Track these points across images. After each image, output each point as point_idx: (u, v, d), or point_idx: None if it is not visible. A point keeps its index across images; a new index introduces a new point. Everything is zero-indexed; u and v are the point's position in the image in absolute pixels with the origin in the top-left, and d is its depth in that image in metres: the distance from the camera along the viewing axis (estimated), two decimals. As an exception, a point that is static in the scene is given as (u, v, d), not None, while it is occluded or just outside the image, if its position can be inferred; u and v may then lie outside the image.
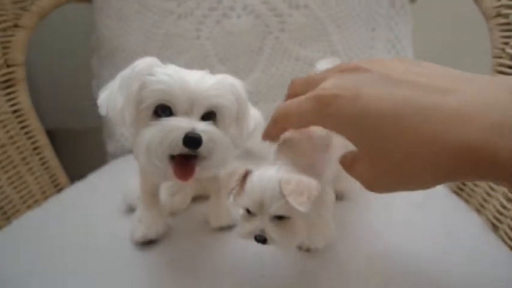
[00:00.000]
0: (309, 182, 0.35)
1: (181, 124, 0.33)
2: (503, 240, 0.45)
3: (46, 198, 0.63)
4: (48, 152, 0.67)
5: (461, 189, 0.57)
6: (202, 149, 0.34)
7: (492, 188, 0.50)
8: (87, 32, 0.81)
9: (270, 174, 0.35)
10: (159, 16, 0.71)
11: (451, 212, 0.50)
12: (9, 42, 0.63)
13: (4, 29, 0.62)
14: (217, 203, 0.48)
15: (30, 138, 0.64)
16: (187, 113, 0.35)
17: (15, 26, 0.64)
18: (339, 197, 0.52)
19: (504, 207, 0.47)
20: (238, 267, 0.42)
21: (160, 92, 0.34)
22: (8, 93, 0.62)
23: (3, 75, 0.61)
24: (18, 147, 0.61)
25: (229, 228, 0.48)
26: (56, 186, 0.68)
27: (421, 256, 0.41)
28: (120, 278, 0.42)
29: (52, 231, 0.51)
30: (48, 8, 0.69)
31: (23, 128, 0.63)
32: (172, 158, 0.35)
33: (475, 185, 0.54)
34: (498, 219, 0.47)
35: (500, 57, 0.53)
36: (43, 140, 0.66)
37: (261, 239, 0.35)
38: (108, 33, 0.75)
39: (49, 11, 0.70)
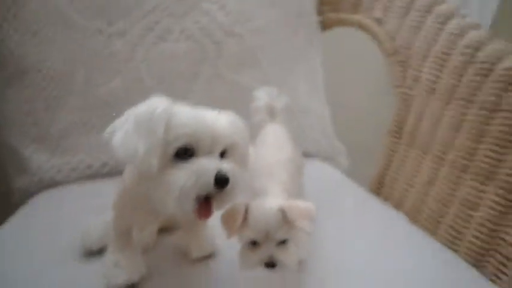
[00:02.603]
0: (306, 205, 0.40)
1: (210, 166, 0.34)
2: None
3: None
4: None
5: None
6: (228, 187, 0.35)
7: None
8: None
9: (268, 204, 0.38)
10: (85, 35, 0.65)
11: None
12: None
13: None
14: (196, 233, 0.48)
15: None
16: (208, 153, 0.36)
17: None
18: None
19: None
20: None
21: (186, 135, 0.34)
22: None
23: None
24: None
25: (211, 256, 0.48)
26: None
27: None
28: None
29: None
30: None
31: None
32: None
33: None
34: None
35: (401, 86, 0.69)
36: None
37: (271, 264, 0.38)
38: (17, 50, 0.64)
39: None
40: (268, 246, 0.38)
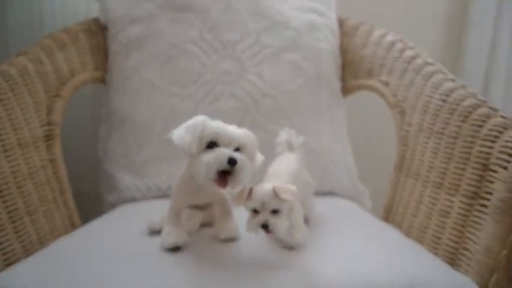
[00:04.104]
0: (290, 186, 0.57)
1: (225, 152, 0.55)
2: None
3: (66, 233, 0.76)
4: (69, 196, 0.81)
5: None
6: (237, 167, 0.55)
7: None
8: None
9: (265, 186, 0.57)
10: (165, 97, 0.95)
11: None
12: (52, 107, 0.81)
13: (50, 97, 0.81)
14: (225, 220, 0.67)
15: (59, 182, 0.78)
16: (227, 146, 0.57)
17: (57, 95, 0.83)
18: (305, 220, 0.74)
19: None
20: (244, 256, 0.61)
21: (214, 133, 0.57)
22: (48, 145, 0.78)
23: (47, 130, 0.78)
24: (51, 189, 0.75)
25: (235, 239, 0.66)
26: (72, 224, 0.80)
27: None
28: (158, 268, 0.57)
29: (83, 250, 0.64)
30: (78, 85, 0.90)
31: (55, 173, 0.78)
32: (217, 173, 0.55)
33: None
34: (410, 230, 0.72)
35: (401, 130, 0.84)
36: (67, 186, 0.81)
37: (265, 226, 0.55)
38: (120, 107, 0.96)
39: (79, 86, 0.90)
40: (264, 213, 0.56)
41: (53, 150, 0.79)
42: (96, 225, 0.75)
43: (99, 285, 0.53)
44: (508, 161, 0.55)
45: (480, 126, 0.62)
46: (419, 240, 0.68)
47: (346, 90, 1.09)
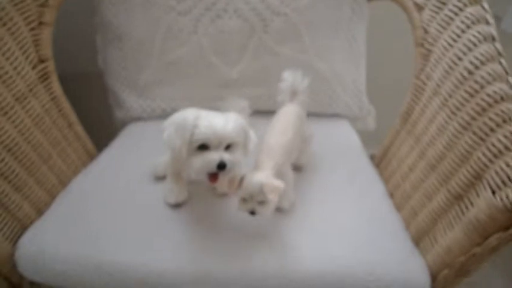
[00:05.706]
0: (277, 184, 0.60)
1: (214, 157, 0.56)
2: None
3: (83, 163, 0.84)
4: (78, 127, 0.85)
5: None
6: (226, 170, 0.57)
7: (397, 168, 0.79)
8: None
9: (255, 178, 0.59)
10: (161, 12, 0.84)
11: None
12: (38, 40, 0.75)
13: (33, 28, 0.74)
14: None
15: (65, 118, 0.81)
16: (217, 147, 0.57)
17: (40, 23, 0.75)
18: (300, 168, 0.78)
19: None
20: (235, 218, 0.68)
21: (203, 138, 0.56)
22: (46, 85, 0.76)
23: (41, 70, 0.75)
24: (59, 128, 0.79)
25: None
26: (86, 152, 0.87)
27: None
28: (162, 226, 0.67)
29: (99, 194, 0.73)
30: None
31: (60, 111, 0.79)
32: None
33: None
34: (396, 189, 0.77)
35: (418, 78, 0.76)
36: (74, 118, 0.83)
37: (253, 213, 0.61)
38: (114, 20, 0.87)
39: (62, 3, 0.80)
40: (252, 203, 0.61)
41: (52, 88, 0.78)
42: (108, 159, 0.83)
43: (112, 235, 0.65)
44: (499, 187, 0.53)
45: (492, 130, 0.57)
46: (400, 205, 0.74)
47: (372, -5, 0.91)
